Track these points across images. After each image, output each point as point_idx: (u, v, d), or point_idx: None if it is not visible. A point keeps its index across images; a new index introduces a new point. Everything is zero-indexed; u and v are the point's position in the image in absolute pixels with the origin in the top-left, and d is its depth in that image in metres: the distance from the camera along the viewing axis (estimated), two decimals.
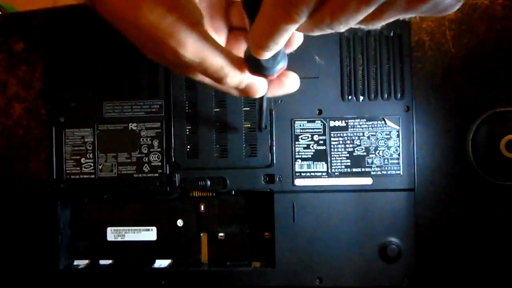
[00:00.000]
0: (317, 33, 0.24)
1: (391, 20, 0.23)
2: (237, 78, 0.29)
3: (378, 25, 0.23)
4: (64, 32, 0.46)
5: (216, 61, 0.28)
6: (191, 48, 0.27)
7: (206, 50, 0.27)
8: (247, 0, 0.25)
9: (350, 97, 0.43)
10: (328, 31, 0.23)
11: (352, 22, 0.22)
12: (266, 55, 0.26)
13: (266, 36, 0.24)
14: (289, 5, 0.21)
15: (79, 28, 0.45)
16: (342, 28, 0.23)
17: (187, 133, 0.44)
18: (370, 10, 0.21)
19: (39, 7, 0.47)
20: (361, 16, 0.22)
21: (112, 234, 0.47)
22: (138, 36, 0.28)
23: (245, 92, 0.31)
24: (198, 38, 0.27)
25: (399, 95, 0.43)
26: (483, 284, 0.43)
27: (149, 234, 0.46)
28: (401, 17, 0.22)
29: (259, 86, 0.31)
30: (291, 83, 0.33)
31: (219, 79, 0.29)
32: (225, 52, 0.28)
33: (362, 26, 0.23)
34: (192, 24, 0.27)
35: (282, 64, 0.29)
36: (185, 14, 0.26)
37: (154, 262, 0.46)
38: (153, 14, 0.26)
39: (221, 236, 0.46)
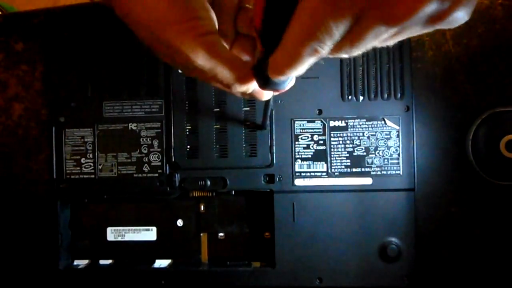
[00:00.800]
0: (331, 56, 0.25)
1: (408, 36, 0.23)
2: (244, 86, 0.30)
3: (390, 43, 0.24)
4: (64, 32, 0.46)
5: (226, 70, 0.29)
6: (203, 56, 0.28)
7: (216, 58, 0.28)
8: (266, 30, 0.25)
9: (350, 97, 0.43)
10: (343, 56, 0.24)
11: (370, 46, 0.23)
12: (284, 78, 0.27)
13: (289, 66, 0.25)
14: (317, 41, 0.22)
15: (79, 28, 0.45)
16: (358, 53, 0.24)
17: (187, 133, 0.44)
18: (389, 34, 0.22)
19: (39, 7, 0.47)
20: (378, 42, 0.23)
21: (112, 234, 0.47)
22: (152, 39, 0.29)
23: (252, 96, 0.32)
24: (210, 47, 0.28)
25: (399, 95, 0.43)
26: (483, 284, 0.43)
27: (149, 234, 0.46)
28: (420, 32, 0.23)
29: (265, 92, 0.32)
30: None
31: (227, 86, 0.30)
32: (235, 62, 0.29)
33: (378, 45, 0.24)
34: (206, 33, 0.28)
35: (292, 78, 0.30)
36: (200, 25, 0.28)
37: (154, 262, 0.46)
38: (171, 24, 0.27)
39: (221, 236, 0.46)
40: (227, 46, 0.32)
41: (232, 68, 0.29)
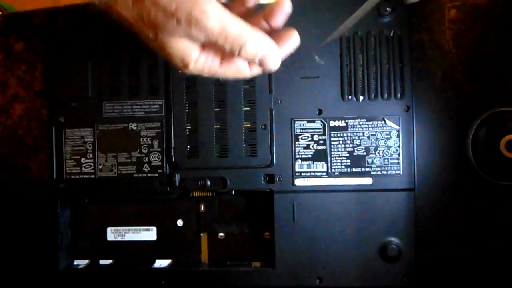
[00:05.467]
0: None
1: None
2: (254, 46, 0.31)
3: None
4: (64, 32, 0.46)
5: (236, 27, 0.30)
6: (214, 16, 0.30)
7: (226, 17, 0.30)
8: None
9: (350, 97, 0.43)
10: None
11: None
12: None
13: None
14: None
15: (79, 28, 0.45)
16: None
17: (187, 133, 0.44)
18: None
19: (39, 7, 0.47)
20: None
21: (112, 234, 0.47)
22: (159, 13, 0.30)
23: (260, 65, 0.33)
24: (218, 7, 0.30)
25: (399, 95, 0.43)
26: (483, 284, 0.43)
27: (149, 234, 0.46)
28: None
29: (274, 57, 0.33)
30: (292, 40, 0.34)
31: (238, 48, 0.31)
32: (242, 22, 0.31)
33: None
34: None
35: None
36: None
37: (154, 262, 0.46)
38: None
39: (221, 236, 0.46)
40: None
41: (241, 23, 0.31)
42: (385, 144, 0.43)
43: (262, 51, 0.32)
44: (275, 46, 0.33)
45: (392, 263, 0.43)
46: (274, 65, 0.33)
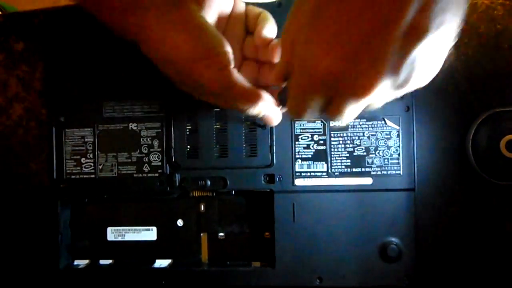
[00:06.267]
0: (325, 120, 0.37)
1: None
2: (256, 110, 0.35)
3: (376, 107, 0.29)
4: (64, 32, 0.46)
5: (239, 96, 0.34)
6: (220, 85, 0.32)
7: (232, 87, 0.33)
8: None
9: None
10: (337, 123, 0.34)
11: (353, 115, 0.29)
12: None
13: (294, 114, 0.32)
14: (301, 108, 0.30)
15: (79, 28, 0.45)
16: (348, 121, 0.34)
17: (187, 133, 0.44)
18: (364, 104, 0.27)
19: (39, 7, 0.47)
20: (359, 110, 0.28)
21: (112, 234, 0.47)
22: (175, 72, 0.34)
23: (263, 120, 0.37)
24: (227, 78, 0.32)
25: None
26: (483, 284, 0.43)
27: (149, 234, 0.46)
28: (396, 96, 0.28)
29: (275, 117, 0.37)
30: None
31: (241, 110, 0.35)
32: (247, 89, 0.34)
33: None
34: (223, 67, 0.32)
35: None
36: (219, 60, 0.32)
37: (154, 262, 0.46)
38: (195, 61, 0.32)
39: (221, 236, 0.46)
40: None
41: (245, 95, 0.34)
42: (385, 144, 0.43)
43: (263, 113, 0.36)
44: (276, 108, 0.36)
45: (392, 263, 0.43)
46: (275, 123, 0.37)
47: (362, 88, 0.25)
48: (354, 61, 0.23)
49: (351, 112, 0.28)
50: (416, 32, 0.22)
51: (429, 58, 0.25)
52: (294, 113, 0.31)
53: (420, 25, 0.22)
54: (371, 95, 0.25)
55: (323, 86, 0.26)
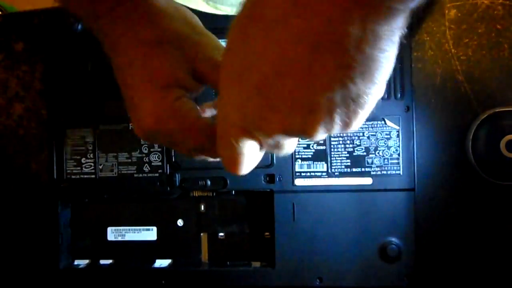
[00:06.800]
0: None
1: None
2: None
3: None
4: (64, 32, 0.46)
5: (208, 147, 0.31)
6: (190, 143, 0.31)
7: (202, 144, 0.31)
8: None
9: None
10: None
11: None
12: None
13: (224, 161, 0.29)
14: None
15: (79, 28, 0.45)
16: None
17: None
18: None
19: (39, 7, 0.47)
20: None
21: (113, 233, 0.47)
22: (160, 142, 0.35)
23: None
24: (194, 136, 0.31)
25: (399, 95, 0.43)
26: (483, 284, 0.43)
27: (149, 234, 0.46)
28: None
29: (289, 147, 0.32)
30: None
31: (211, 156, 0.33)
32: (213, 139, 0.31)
33: None
34: (188, 127, 0.30)
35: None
36: (197, 130, 0.31)
37: (154, 262, 0.46)
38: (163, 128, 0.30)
39: (221, 236, 0.46)
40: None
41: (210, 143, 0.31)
42: (385, 144, 0.43)
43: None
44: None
45: (392, 263, 0.43)
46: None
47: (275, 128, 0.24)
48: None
49: (290, 143, 0.27)
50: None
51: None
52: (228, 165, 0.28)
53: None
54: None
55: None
